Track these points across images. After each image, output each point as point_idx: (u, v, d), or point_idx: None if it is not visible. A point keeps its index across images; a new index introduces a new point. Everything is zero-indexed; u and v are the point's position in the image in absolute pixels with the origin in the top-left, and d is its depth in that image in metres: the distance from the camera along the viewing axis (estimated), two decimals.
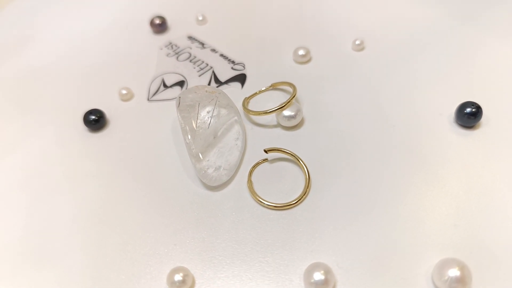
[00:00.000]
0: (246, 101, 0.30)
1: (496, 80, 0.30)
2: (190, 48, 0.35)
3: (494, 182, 0.25)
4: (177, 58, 0.34)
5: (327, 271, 0.21)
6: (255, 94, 0.31)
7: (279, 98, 0.30)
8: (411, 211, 0.24)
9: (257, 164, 0.27)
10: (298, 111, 0.28)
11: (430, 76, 0.31)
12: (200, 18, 0.37)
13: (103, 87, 0.33)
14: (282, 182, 0.26)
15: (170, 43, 0.35)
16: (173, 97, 0.31)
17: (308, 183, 0.25)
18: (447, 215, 0.23)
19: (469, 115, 0.28)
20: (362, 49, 0.33)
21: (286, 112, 0.28)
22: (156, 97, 0.31)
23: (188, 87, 0.32)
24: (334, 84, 0.31)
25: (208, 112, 0.27)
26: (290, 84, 0.30)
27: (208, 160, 0.26)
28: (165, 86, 0.32)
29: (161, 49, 0.35)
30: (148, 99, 0.31)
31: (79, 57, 0.36)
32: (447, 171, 0.25)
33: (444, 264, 0.21)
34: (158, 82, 0.32)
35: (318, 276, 0.21)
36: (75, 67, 0.35)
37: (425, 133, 0.28)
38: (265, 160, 0.27)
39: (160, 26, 0.36)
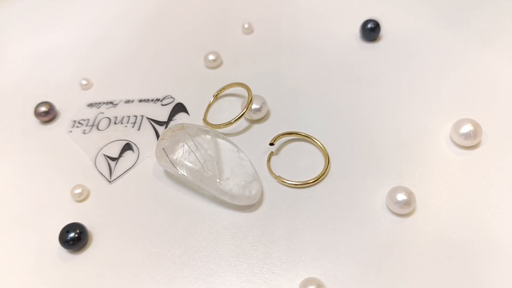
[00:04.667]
0: (206, 121, 0.29)
1: (485, 89, 0.30)
2: (102, 113, 0.30)
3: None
4: (98, 128, 0.30)
5: (409, 193, 0.24)
6: (208, 109, 0.30)
7: (231, 100, 0.31)
8: None
9: (269, 159, 0.27)
10: (263, 104, 0.29)
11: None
12: (84, 82, 0.32)
13: None
14: (302, 160, 0.27)
15: (75, 121, 0.30)
16: (132, 163, 0.28)
17: (327, 154, 0.27)
18: None
19: (370, 30, 0.33)
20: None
21: (253, 106, 0.28)
22: (115, 174, 0.27)
23: (137, 143, 0.28)
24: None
25: (193, 146, 0.25)
26: (233, 84, 0.30)
27: (228, 179, 0.24)
28: (113, 159, 0.28)
29: (70, 131, 0.30)
30: (110, 182, 0.27)
31: None
32: None
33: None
34: (103, 162, 0.28)
35: (401, 196, 0.24)
36: None
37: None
38: (272, 153, 0.27)
39: (48, 112, 0.30)
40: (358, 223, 0.24)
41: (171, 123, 0.29)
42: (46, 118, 0.30)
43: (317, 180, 0.26)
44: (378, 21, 0.33)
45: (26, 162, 0.29)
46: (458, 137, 0.26)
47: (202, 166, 0.24)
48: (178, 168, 0.25)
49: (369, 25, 0.33)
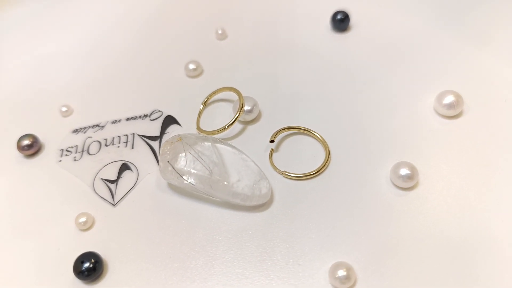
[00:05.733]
0: (200, 129, 0.29)
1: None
2: (90, 137, 0.29)
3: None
4: (89, 153, 0.29)
5: (411, 167, 0.25)
6: (199, 117, 0.30)
7: (220, 105, 0.31)
8: None
9: (271, 156, 0.27)
10: (254, 105, 0.29)
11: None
12: (64, 109, 0.31)
13: None
14: (302, 153, 0.27)
15: (62, 149, 0.29)
16: (133, 182, 0.27)
17: (326, 144, 0.27)
18: None
19: (339, 21, 0.34)
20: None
21: (245, 108, 0.29)
22: (118, 196, 0.26)
23: (134, 162, 0.28)
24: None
25: (195, 155, 0.25)
26: (222, 89, 0.30)
27: (238, 181, 0.24)
28: (112, 182, 0.27)
29: (60, 160, 0.29)
30: (114, 205, 0.26)
31: None
32: None
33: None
34: (102, 186, 0.27)
35: (404, 171, 0.25)
36: None
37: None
38: (272, 150, 0.28)
39: (32, 146, 0.29)
40: (368, 203, 0.25)
41: (165, 137, 0.29)
42: (30, 151, 0.29)
43: (321, 169, 0.26)
44: (347, 12, 0.34)
45: (20, 200, 0.27)
46: (442, 108, 0.28)
47: (210, 172, 0.24)
48: (185, 178, 0.24)
49: (338, 16, 0.34)
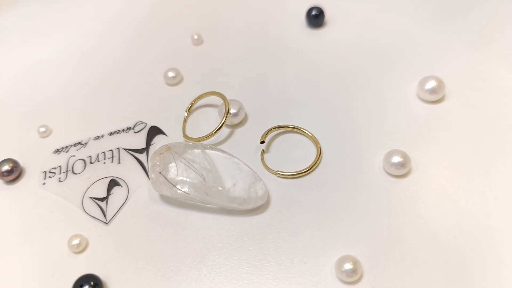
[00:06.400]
0: (187, 136, 0.28)
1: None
2: (74, 155, 0.28)
3: None
4: (74, 172, 0.28)
5: (403, 155, 0.25)
6: (185, 125, 0.29)
7: (205, 111, 0.30)
8: None
9: (262, 157, 0.27)
10: (240, 108, 0.29)
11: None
12: (42, 129, 0.30)
13: None
14: (293, 151, 0.27)
15: (45, 171, 0.28)
16: (124, 198, 0.26)
17: (316, 140, 0.27)
18: None
19: (314, 17, 0.34)
20: None
21: (231, 111, 0.28)
22: (110, 214, 0.25)
23: (122, 177, 0.27)
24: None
25: (186, 163, 0.25)
26: (205, 94, 0.30)
27: (234, 185, 0.24)
28: (102, 200, 0.26)
29: (44, 183, 0.27)
30: (107, 223, 0.25)
31: None
32: None
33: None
34: (92, 205, 0.26)
35: (396, 159, 0.25)
36: None
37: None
38: (263, 151, 0.27)
39: (12, 171, 0.28)
40: (364, 194, 0.25)
41: (151, 148, 0.28)
42: (11, 177, 0.28)
43: (314, 165, 0.26)
44: (322, 7, 0.34)
45: (5, 229, 0.26)
46: (425, 94, 0.28)
47: (204, 179, 0.24)
48: (179, 187, 0.24)
49: (313, 12, 0.34)
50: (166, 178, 0.24)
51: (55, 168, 0.28)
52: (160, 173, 0.24)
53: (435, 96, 0.28)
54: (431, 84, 0.28)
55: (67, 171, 0.28)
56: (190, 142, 0.27)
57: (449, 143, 0.26)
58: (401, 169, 0.25)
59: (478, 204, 0.24)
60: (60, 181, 0.27)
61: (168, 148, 0.26)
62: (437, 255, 0.22)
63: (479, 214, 0.23)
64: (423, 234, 0.23)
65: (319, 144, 0.27)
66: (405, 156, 0.25)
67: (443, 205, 0.24)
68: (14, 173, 0.28)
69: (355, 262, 0.21)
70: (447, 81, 0.29)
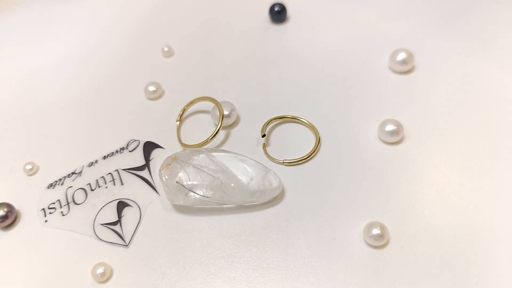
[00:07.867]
0: (184, 145, 0.28)
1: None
2: (71, 186, 0.27)
3: None
4: (75, 203, 0.26)
5: (397, 124, 0.27)
6: (179, 133, 0.29)
7: (197, 117, 0.30)
8: None
9: (265, 151, 0.28)
10: (232, 109, 0.29)
11: None
12: (29, 167, 0.28)
13: None
14: (293, 139, 0.28)
15: (44, 209, 0.26)
16: (138, 217, 0.26)
17: (311, 125, 0.28)
18: None
19: (277, 13, 0.36)
20: None
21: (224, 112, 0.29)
22: (128, 235, 0.25)
23: (130, 197, 0.26)
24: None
25: (196, 168, 0.25)
26: (196, 100, 0.30)
27: (251, 179, 0.25)
28: (115, 224, 0.25)
29: (46, 221, 0.26)
30: (127, 246, 0.24)
31: None
32: None
33: None
34: (105, 231, 0.25)
35: (390, 127, 0.27)
36: None
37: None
38: (264, 144, 0.28)
39: (7, 216, 0.26)
40: (367, 165, 0.26)
41: (151, 163, 0.28)
42: (7, 222, 0.26)
43: (316, 148, 0.27)
44: (284, 3, 0.36)
45: (18, 280, 0.24)
46: (396, 65, 0.31)
47: (220, 179, 0.24)
48: (197, 191, 0.24)
49: (276, 8, 0.35)
50: (183, 185, 0.24)
51: (53, 203, 0.27)
52: (177, 182, 0.24)
53: (405, 67, 0.31)
54: (401, 55, 0.30)
55: (68, 203, 0.27)
56: (193, 149, 0.27)
57: (430, 106, 0.29)
58: (395, 136, 0.27)
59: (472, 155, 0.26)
60: (63, 214, 0.26)
61: (175, 158, 0.26)
62: (436, 213, 0.24)
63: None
64: (431, 191, 0.25)
65: (315, 129, 0.28)
66: (397, 124, 0.27)
67: (440, 166, 0.26)
68: (9, 218, 0.26)
69: (382, 228, 0.23)
70: (415, 53, 0.31)
